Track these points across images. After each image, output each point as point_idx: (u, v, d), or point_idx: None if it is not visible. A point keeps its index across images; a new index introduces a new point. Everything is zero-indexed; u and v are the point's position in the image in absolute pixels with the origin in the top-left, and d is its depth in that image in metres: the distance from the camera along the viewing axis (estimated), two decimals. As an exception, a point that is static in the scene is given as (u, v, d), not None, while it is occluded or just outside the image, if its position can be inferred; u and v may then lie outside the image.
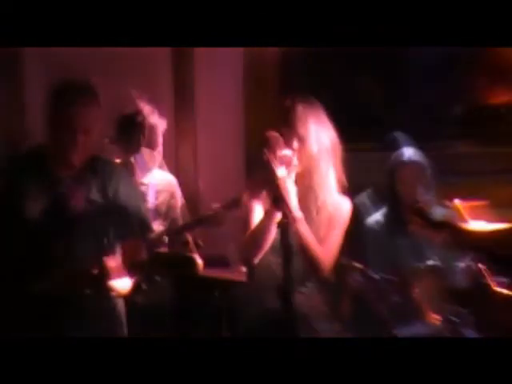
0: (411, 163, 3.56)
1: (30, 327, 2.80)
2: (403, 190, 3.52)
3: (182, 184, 3.86)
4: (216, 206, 3.42)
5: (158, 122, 3.63)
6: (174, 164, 4.08)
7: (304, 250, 2.63)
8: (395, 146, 3.65)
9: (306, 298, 2.72)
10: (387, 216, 3.59)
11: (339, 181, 2.72)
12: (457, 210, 3.24)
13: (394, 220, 3.55)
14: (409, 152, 3.60)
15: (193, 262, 2.65)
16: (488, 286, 3.30)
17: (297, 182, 2.61)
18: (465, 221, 3.18)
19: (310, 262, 2.68)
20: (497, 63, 4.15)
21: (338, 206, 2.73)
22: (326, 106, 2.86)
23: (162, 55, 4.27)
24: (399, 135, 3.67)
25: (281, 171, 2.55)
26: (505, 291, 3.28)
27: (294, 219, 2.55)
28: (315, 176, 2.70)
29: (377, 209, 3.69)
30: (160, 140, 3.64)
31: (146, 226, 3.05)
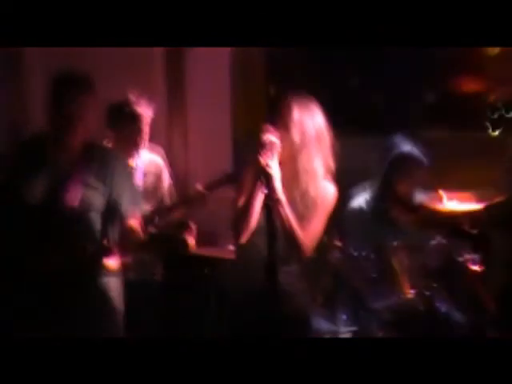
0: (411, 158, 3.53)
1: (30, 302, 2.80)
2: (399, 183, 3.53)
3: (172, 166, 3.89)
4: (200, 187, 3.43)
5: (144, 112, 3.66)
6: (166, 148, 4.08)
7: (286, 232, 2.67)
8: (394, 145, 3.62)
9: (290, 275, 2.76)
10: (372, 200, 3.62)
11: (326, 167, 2.76)
12: (439, 196, 3.32)
13: (378, 204, 3.59)
14: (408, 147, 3.59)
15: (185, 242, 2.73)
16: (458, 263, 3.45)
17: (282, 167, 2.64)
18: (441, 202, 3.31)
19: (292, 243, 2.71)
20: (469, 53, 4.23)
21: (323, 191, 2.75)
22: (314, 96, 2.86)
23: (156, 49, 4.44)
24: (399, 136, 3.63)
25: (265, 155, 2.60)
26: (475, 267, 3.47)
27: (277, 201, 2.61)
28: (299, 163, 2.71)
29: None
30: (146, 128, 3.68)
31: (138, 207, 3.08)
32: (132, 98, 3.62)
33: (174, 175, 3.88)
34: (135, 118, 3.60)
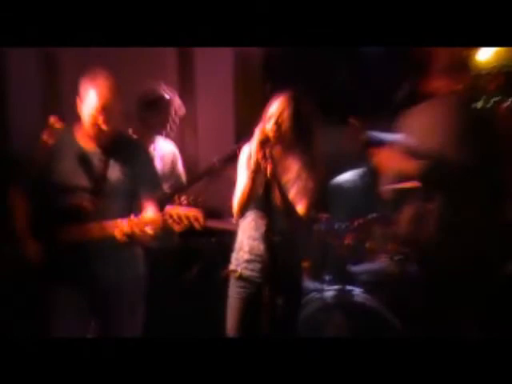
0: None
1: (67, 263, 2.95)
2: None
3: (184, 153, 4.07)
4: (214, 160, 3.51)
5: (173, 99, 3.84)
6: (179, 138, 4.28)
7: (283, 207, 2.93)
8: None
9: (284, 244, 2.94)
10: (360, 179, 3.95)
11: (312, 156, 3.01)
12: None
13: (369, 181, 3.89)
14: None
15: (199, 216, 2.88)
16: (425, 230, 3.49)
17: (277, 153, 2.91)
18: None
19: (288, 216, 2.97)
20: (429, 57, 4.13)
21: (310, 177, 3.01)
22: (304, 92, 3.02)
23: (169, 53, 4.72)
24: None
25: (263, 143, 2.85)
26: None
27: (274, 182, 2.85)
28: (289, 150, 3.00)
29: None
30: (173, 113, 3.84)
31: (159, 188, 3.22)
32: (163, 87, 3.80)
33: (186, 161, 4.06)
34: (167, 103, 3.80)
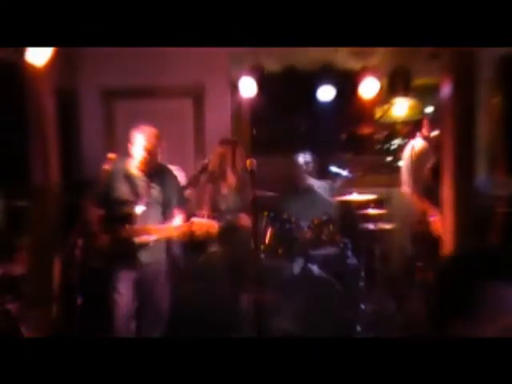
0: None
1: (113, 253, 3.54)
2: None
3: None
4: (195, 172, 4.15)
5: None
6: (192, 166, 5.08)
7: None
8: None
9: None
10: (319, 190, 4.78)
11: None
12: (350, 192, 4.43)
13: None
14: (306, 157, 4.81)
15: (214, 225, 3.49)
16: (362, 228, 4.51)
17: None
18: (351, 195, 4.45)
19: None
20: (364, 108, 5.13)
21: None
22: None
23: (187, 106, 5.74)
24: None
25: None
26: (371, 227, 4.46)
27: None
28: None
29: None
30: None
31: (185, 201, 3.85)
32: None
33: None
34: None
